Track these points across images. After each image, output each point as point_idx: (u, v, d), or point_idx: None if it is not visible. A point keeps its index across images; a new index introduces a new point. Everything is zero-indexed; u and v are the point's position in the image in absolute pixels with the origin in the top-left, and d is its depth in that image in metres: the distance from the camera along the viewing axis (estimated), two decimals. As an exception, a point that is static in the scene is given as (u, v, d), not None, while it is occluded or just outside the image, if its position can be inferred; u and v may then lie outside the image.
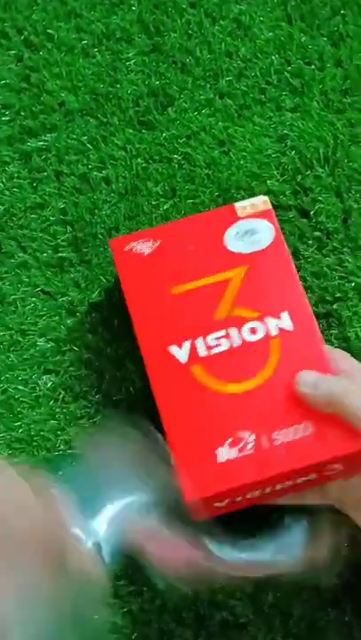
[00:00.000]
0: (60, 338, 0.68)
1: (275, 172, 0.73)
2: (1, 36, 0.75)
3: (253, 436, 0.58)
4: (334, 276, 0.69)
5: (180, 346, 0.61)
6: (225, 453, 0.57)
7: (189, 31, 0.76)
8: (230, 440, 0.58)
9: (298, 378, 0.59)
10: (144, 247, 0.64)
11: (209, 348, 0.61)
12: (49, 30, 0.75)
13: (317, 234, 0.71)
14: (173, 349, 0.61)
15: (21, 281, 0.69)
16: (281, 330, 0.61)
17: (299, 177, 0.73)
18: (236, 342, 0.61)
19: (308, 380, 0.58)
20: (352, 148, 0.74)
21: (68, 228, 0.71)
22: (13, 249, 0.70)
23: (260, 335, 0.61)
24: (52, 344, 0.68)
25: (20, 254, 0.70)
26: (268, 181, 0.73)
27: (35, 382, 0.67)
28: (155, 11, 0.76)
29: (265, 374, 0.60)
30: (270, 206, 0.66)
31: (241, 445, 0.58)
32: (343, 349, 0.66)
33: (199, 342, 0.61)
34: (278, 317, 0.61)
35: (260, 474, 0.57)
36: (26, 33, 0.75)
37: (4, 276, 0.69)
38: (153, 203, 0.72)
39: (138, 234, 0.65)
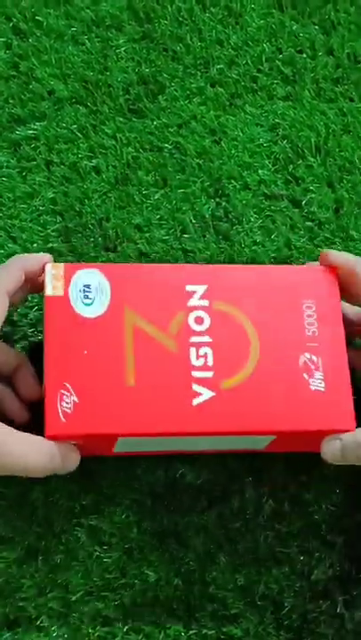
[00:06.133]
0: (50, 329, 0.68)
1: (266, 162, 0.73)
2: (-11, 23, 0.74)
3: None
4: (326, 267, 0.69)
5: None
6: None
7: (180, 18, 0.75)
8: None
9: (323, 448, 0.58)
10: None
11: None
12: (38, 17, 0.74)
13: (309, 224, 0.71)
14: None
15: (11, 271, 0.69)
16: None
17: (290, 166, 0.72)
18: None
19: (335, 451, 0.58)
20: (344, 138, 0.73)
21: (58, 218, 0.70)
22: (3, 239, 0.69)
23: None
24: (43, 336, 0.67)
25: (10, 245, 0.69)
26: (260, 171, 0.72)
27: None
28: (145, -3, 0.75)
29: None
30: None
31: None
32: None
33: None
34: None
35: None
36: (15, 20, 0.74)
37: (-6, 266, 0.69)
38: (144, 192, 0.71)
39: None
